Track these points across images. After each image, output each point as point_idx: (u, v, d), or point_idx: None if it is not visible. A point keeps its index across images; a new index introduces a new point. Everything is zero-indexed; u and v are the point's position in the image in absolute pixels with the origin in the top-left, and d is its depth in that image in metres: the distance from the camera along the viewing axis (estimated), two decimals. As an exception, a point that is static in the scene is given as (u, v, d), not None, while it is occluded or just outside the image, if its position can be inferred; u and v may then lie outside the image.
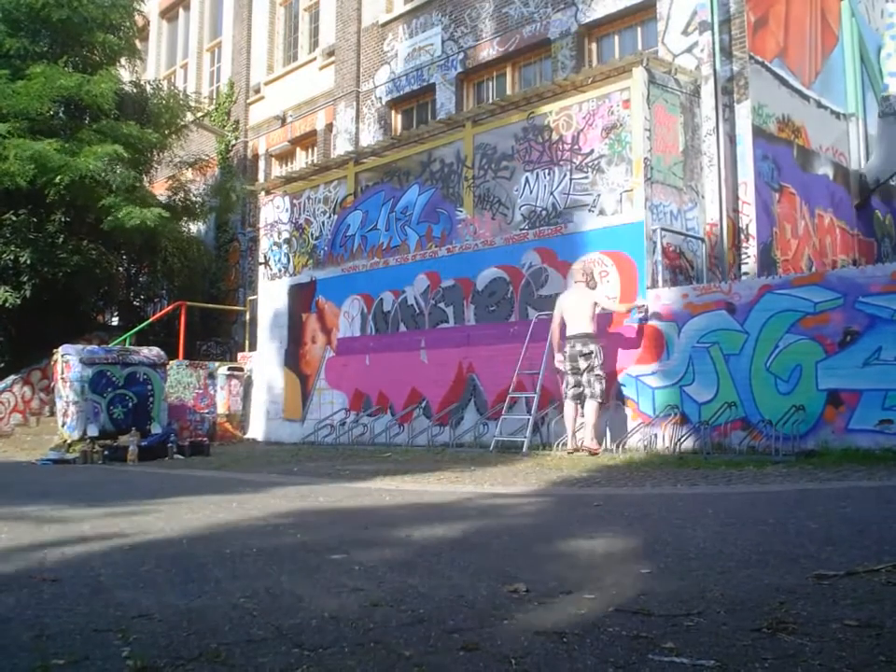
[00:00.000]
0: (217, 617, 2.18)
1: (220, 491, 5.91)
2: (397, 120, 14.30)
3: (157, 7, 20.42)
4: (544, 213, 9.11)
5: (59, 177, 12.41)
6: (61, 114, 14.39)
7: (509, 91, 11.99)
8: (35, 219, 13.36)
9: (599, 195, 8.65)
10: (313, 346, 11.69)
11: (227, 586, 2.57)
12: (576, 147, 8.87)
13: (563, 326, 8.06)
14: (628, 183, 8.40)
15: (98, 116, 13.91)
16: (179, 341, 13.30)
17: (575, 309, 7.95)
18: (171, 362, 11.94)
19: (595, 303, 7.94)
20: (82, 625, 2.12)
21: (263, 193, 13.37)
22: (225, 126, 17.77)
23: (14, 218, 13.17)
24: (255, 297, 13.49)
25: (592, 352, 7.81)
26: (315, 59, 16.03)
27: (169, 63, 20.61)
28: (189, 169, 16.10)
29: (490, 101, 11.04)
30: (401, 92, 13.87)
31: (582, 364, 7.81)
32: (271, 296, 12.56)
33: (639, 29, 10.98)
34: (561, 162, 9.00)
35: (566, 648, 1.85)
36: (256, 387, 12.63)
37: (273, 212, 12.79)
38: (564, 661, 1.76)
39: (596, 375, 7.77)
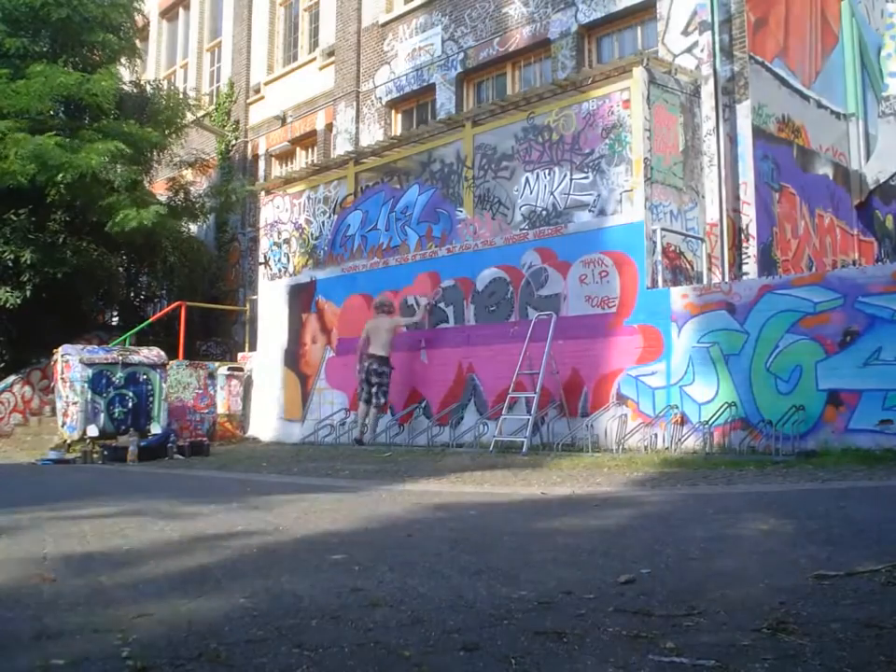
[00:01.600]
0: (217, 617, 2.18)
1: (218, 492, 5.91)
2: (397, 120, 14.29)
3: (157, 6, 20.41)
4: (544, 213, 9.11)
5: (60, 175, 12.40)
6: (61, 113, 14.39)
7: (509, 91, 11.98)
8: (35, 219, 13.36)
9: (599, 195, 8.64)
10: (313, 346, 11.69)
11: (227, 586, 2.57)
12: (576, 147, 8.87)
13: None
14: (628, 183, 8.40)
15: (98, 115, 13.90)
16: (179, 341, 13.30)
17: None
18: (171, 362, 11.93)
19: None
20: (82, 625, 2.12)
21: (263, 193, 13.36)
22: (225, 126, 17.75)
23: (15, 218, 13.16)
24: (255, 297, 13.48)
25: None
26: (314, 59, 16.02)
27: (169, 63, 20.60)
28: (190, 169, 16.09)
29: (490, 101, 11.03)
30: (401, 92, 13.86)
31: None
32: (271, 296, 12.56)
33: (639, 29, 10.98)
34: (561, 162, 9.00)
35: (566, 648, 1.84)
36: (256, 387, 12.63)
37: (272, 212, 12.79)
38: (563, 661, 1.76)
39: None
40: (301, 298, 11.95)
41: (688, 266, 8.73)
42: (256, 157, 17.37)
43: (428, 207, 10.34)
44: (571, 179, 8.88)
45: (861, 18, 11.64)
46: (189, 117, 16.10)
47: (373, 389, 9.68)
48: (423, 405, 10.00)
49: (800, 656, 1.74)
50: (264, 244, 12.92)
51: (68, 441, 10.53)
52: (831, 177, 10.77)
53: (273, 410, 12.12)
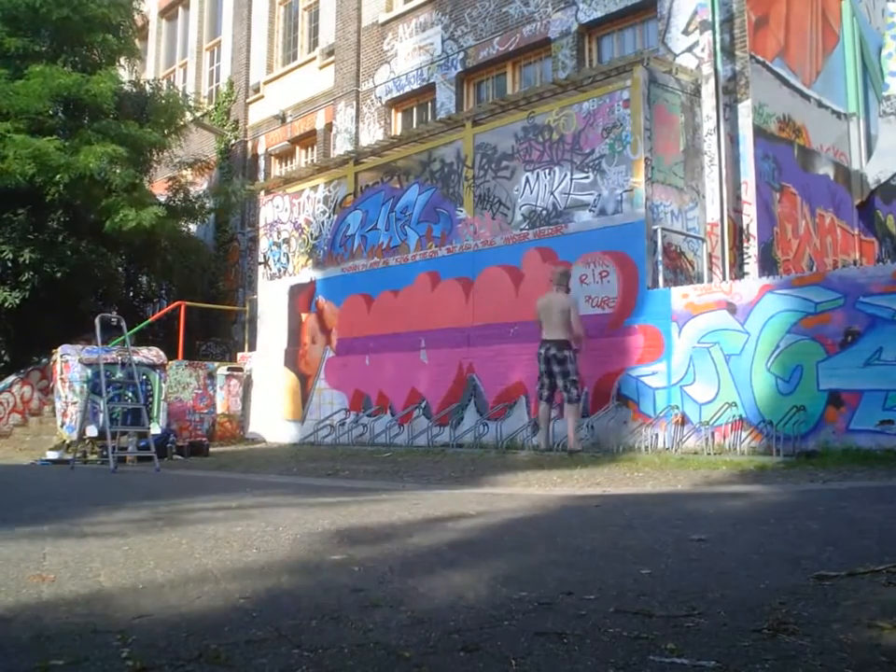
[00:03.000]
0: (216, 618, 2.18)
1: (217, 492, 5.90)
2: (397, 120, 14.29)
3: (156, 6, 20.41)
4: (544, 213, 9.11)
5: (59, 176, 12.41)
6: (60, 113, 14.38)
7: (509, 91, 11.97)
8: (34, 219, 13.36)
9: (600, 195, 8.64)
10: (312, 346, 11.69)
11: (226, 586, 2.56)
12: (576, 146, 8.87)
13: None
14: (629, 183, 8.39)
15: (97, 115, 13.90)
16: (179, 341, 13.29)
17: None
18: (170, 362, 11.92)
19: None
20: (81, 626, 2.11)
21: (263, 193, 13.36)
22: (224, 125, 17.75)
23: (14, 218, 13.16)
24: (254, 297, 13.49)
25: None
26: (314, 58, 16.02)
27: (168, 63, 20.60)
28: (189, 169, 16.08)
29: (490, 100, 11.03)
30: (401, 92, 13.86)
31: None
32: (270, 296, 12.56)
33: (640, 28, 10.98)
34: (561, 162, 9.00)
35: (566, 648, 1.84)
36: (255, 387, 12.63)
37: (272, 212, 12.79)
38: (564, 661, 1.75)
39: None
40: (301, 298, 11.95)
41: (688, 266, 8.73)
42: (255, 156, 17.37)
43: (428, 207, 10.33)
44: (572, 179, 8.87)
45: (862, 17, 11.63)
46: (189, 116, 16.10)
47: (558, 381, 8.00)
48: (423, 405, 10.00)
49: (801, 657, 1.74)
50: (264, 243, 12.92)
51: (67, 442, 10.52)
52: (832, 177, 10.76)
53: (273, 410, 12.12)
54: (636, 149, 8.35)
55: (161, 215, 13.25)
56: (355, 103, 14.55)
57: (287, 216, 12.47)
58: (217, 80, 18.91)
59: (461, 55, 12.80)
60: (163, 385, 11.30)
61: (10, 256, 12.98)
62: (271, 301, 12.51)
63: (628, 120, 8.45)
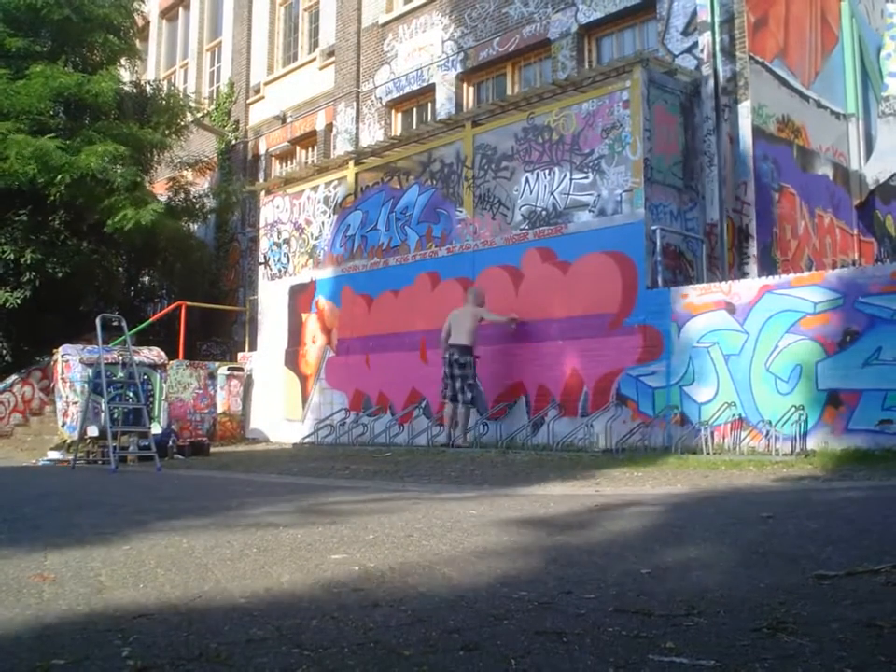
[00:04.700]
0: (217, 617, 2.18)
1: (217, 493, 5.91)
2: (397, 120, 14.29)
3: (157, 6, 20.40)
4: (544, 213, 9.11)
5: (60, 176, 12.42)
6: (61, 113, 14.40)
7: (509, 92, 11.98)
8: (36, 219, 13.37)
9: (599, 195, 8.65)
10: (312, 346, 11.70)
11: (227, 586, 2.57)
12: (576, 147, 8.87)
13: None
14: (628, 183, 8.40)
15: (98, 115, 13.92)
16: (179, 341, 13.29)
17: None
18: (171, 362, 11.92)
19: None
20: (82, 625, 2.12)
21: (263, 193, 13.37)
22: (225, 126, 17.76)
23: (15, 218, 13.17)
24: (255, 297, 13.49)
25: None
26: (314, 59, 16.02)
27: (169, 63, 20.60)
28: (190, 170, 16.09)
29: (490, 101, 11.04)
30: (401, 92, 13.87)
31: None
32: (271, 296, 12.56)
33: (639, 29, 10.98)
34: (561, 163, 9.00)
35: (566, 647, 1.84)
36: (256, 387, 12.64)
37: (272, 212, 12.80)
38: (564, 661, 1.75)
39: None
40: (301, 298, 11.96)
41: (688, 266, 8.74)
42: (256, 157, 17.37)
43: (428, 207, 10.34)
44: (571, 179, 8.88)
45: (861, 18, 11.64)
46: (190, 117, 16.11)
47: (457, 384, 8.75)
48: (423, 405, 10.00)
49: (800, 656, 1.74)
50: (264, 244, 12.93)
51: (68, 442, 10.52)
52: (831, 177, 10.77)
53: (273, 410, 12.12)
54: (635, 150, 8.36)
55: (160, 211, 13.27)
56: (355, 103, 14.56)
57: (288, 216, 12.47)
58: (218, 81, 18.91)
59: (461, 56, 12.80)
60: (164, 384, 11.31)
61: (12, 256, 12.99)
62: (271, 301, 12.52)
63: (628, 121, 8.46)
